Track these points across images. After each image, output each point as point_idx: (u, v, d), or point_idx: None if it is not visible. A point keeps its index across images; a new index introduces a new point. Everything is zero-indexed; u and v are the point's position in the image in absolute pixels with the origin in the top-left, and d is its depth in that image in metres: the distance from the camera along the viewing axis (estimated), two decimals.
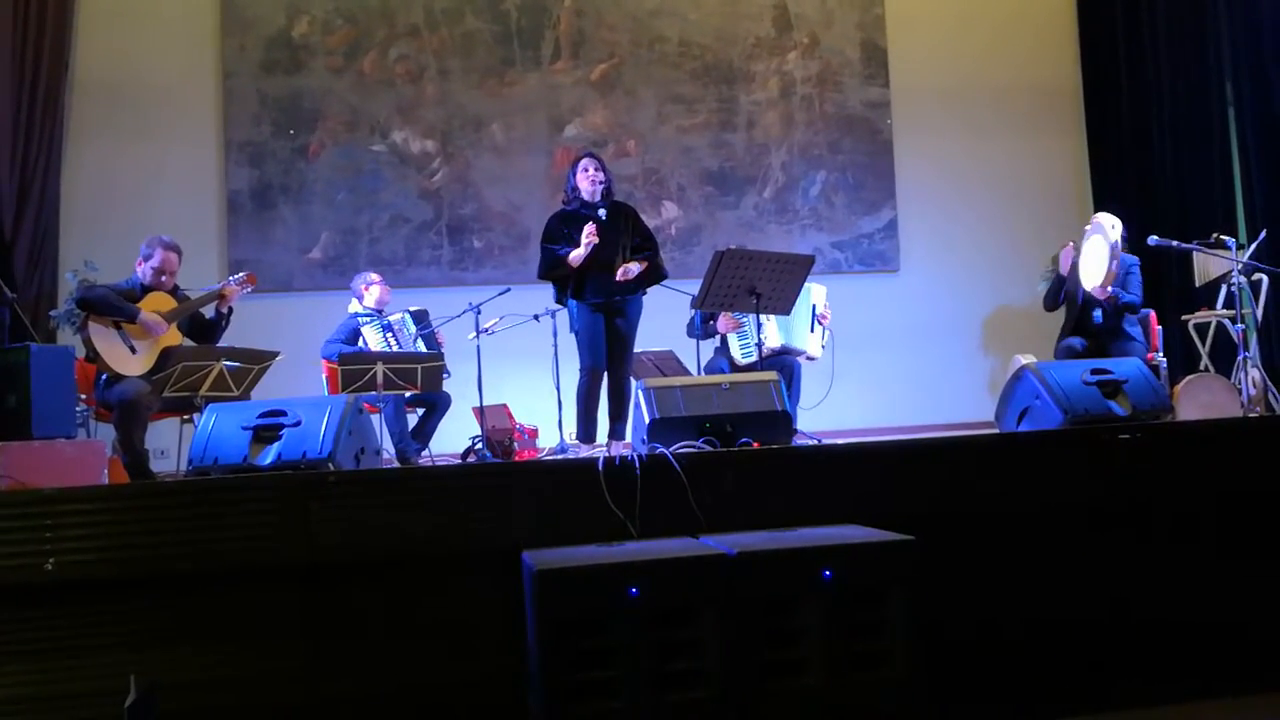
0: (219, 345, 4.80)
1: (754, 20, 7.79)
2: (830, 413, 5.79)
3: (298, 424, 3.11)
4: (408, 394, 5.19)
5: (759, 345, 4.91)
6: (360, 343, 5.63)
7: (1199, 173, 6.98)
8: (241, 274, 5.16)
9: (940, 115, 7.90)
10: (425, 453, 5.51)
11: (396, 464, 5.18)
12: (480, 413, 5.41)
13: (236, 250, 7.12)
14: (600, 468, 3.03)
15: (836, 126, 7.85)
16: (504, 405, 5.80)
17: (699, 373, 5.49)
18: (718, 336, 5.60)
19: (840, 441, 4.09)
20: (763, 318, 4.99)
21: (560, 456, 4.66)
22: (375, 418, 5.19)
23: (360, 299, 5.89)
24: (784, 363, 5.31)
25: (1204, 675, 3.36)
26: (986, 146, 7.92)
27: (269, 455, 3.11)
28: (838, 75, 7.86)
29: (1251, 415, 5.02)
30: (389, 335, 5.65)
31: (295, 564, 2.83)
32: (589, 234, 4.70)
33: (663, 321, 5.60)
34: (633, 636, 2.50)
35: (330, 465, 3.07)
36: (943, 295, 7.76)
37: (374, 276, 6.00)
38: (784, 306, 4.75)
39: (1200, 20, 6.88)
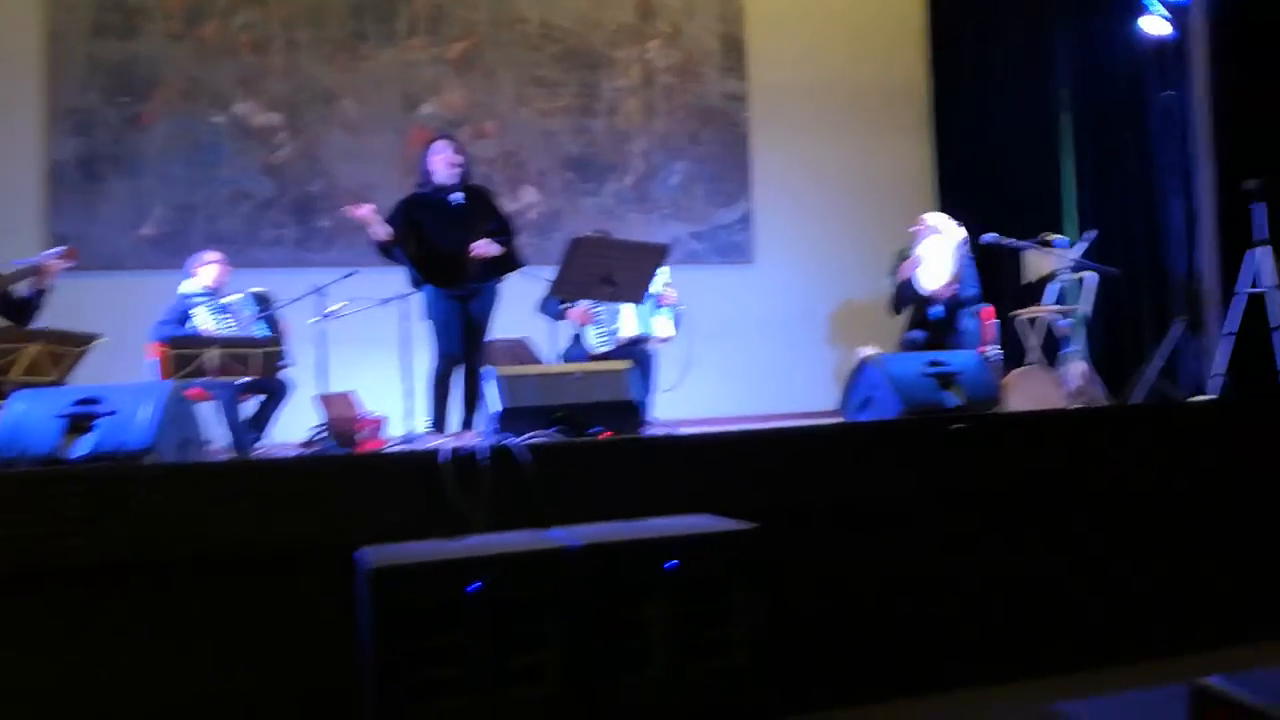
0: (32, 327, 4.45)
1: (617, 6, 7.75)
2: (688, 401, 5.83)
3: (114, 413, 2.90)
4: (241, 380, 4.93)
5: (612, 334, 4.89)
6: (191, 325, 5.32)
7: (1034, 175, 7.35)
8: (61, 248, 4.81)
9: (795, 111, 8.05)
10: (262, 443, 5.26)
11: (229, 455, 4.92)
12: (323, 401, 5.19)
13: (60, 224, 6.62)
14: (444, 459, 2.95)
15: (696, 117, 7.90)
16: (350, 393, 5.59)
17: (554, 360, 5.43)
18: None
19: (696, 430, 4.11)
20: (620, 306, 4.97)
21: (408, 447, 4.52)
22: (209, 405, 4.93)
23: (192, 277, 5.56)
24: (640, 351, 5.31)
25: (1034, 655, 3.53)
26: (839, 144, 8.11)
27: (83, 446, 2.89)
28: (698, 66, 7.91)
29: (1075, 406, 5.31)
30: (224, 317, 5.36)
31: (112, 562, 2.65)
32: (351, 212, 4.59)
33: (517, 309, 5.52)
34: (473, 633, 2.43)
35: (150, 457, 2.87)
36: (795, 288, 7.93)
37: (211, 255, 5.66)
38: (637, 295, 4.74)
39: (1041, 29, 7.24)
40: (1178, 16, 5.63)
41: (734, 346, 7.51)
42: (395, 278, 5.21)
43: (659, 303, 5.48)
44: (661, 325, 5.51)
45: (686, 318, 5.71)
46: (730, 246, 7.93)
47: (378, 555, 2.55)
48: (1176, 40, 5.73)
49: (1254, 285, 4.86)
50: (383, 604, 2.41)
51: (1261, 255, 4.84)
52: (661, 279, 5.59)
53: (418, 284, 4.89)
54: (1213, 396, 5.13)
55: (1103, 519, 3.92)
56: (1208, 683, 1.30)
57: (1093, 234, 6.37)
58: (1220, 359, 5.08)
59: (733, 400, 7.26)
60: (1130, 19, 5.96)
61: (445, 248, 4.70)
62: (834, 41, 8.15)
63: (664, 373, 5.52)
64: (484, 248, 4.71)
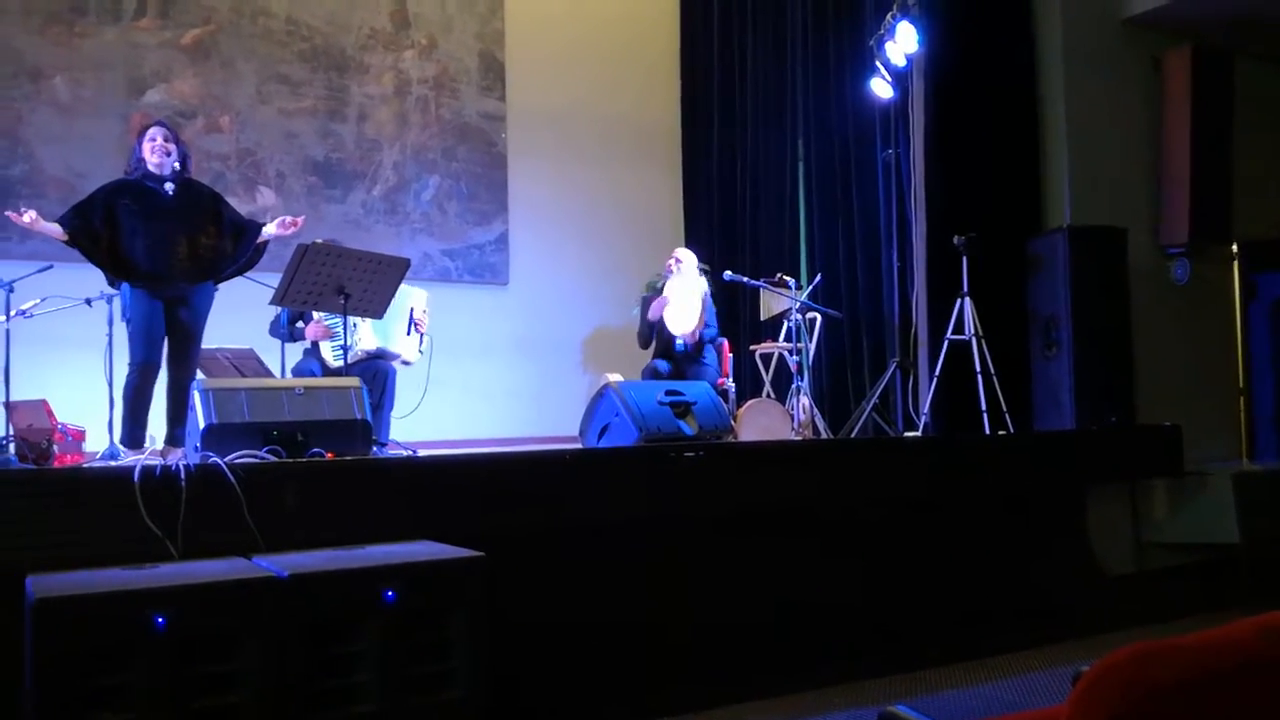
0: None
1: (370, 11, 7.47)
2: (435, 422, 5.65)
3: None
4: None
5: (345, 349, 4.65)
6: None
7: (772, 218, 7.74)
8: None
9: (555, 136, 8.07)
10: None
11: None
12: (8, 408, 4.60)
13: None
14: (137, 478, 2.66)
15: (452, 133, 7.74)
16: (43, 401, 4.98)
17: (284, 374, 5.09)
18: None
19: (431, 453, 3.97)
20: (357, 320, 4.73)
21: (104, 463, 4.07)
22: None
23: None
24: (377, 368, 5.09)
25: (749, 680, 3.64)
26: (594, 172, 8.20)
27: None
28: (455, 82, 7.76)
29: (800, 438, 5.60)
30: None
31: None
32: (15, 220, 4.15)
33: (245, 316, 5.16)
34: (156, 673, 2.18)
35: None
36: (549, 311, 7.91)
37: None
38: (375, 310, 4.53)
39: (781, 83, 7.65)
40: (899, 81, 6.10)
41: (486, 368, 7.40)
42: (98, 274, 4.71)
43: (415, 326, 5.29)
44: (408, 348, 5.30)
45: (435, 337, 5.53)
46: (485, 266, 7.80)
47: (46, 584, 2.25)
48: (899, 103, 6.22)
49: (960, 332, 5.31)
50: (46, 638, 2.13)
51: (965, 306, 5.31)
52: (421, 303, 5.41)
53: (114, 282, 4.44)
54: (918, 434, 5.56)
55: (820, 544, 4.13)
56: (895, 709, 1.35)
57: (819, 278, 6.78)
58: (927, 399, 5.51)
59: (484, 423, 7.13)
60: (862, 80, 6.41)
61: (146, 240, 4.29)
62: (593, 73, 8.26)
63: (406, 393, 5.31)
64: (284, 222, 4.45)
